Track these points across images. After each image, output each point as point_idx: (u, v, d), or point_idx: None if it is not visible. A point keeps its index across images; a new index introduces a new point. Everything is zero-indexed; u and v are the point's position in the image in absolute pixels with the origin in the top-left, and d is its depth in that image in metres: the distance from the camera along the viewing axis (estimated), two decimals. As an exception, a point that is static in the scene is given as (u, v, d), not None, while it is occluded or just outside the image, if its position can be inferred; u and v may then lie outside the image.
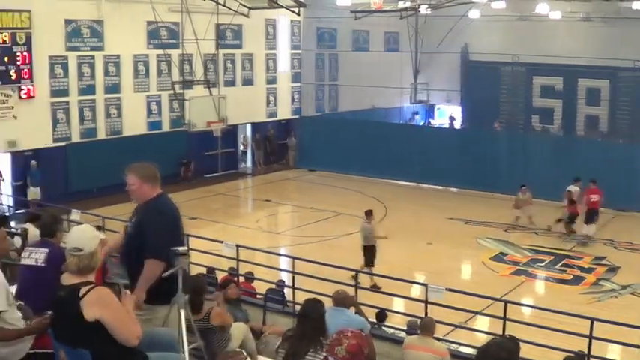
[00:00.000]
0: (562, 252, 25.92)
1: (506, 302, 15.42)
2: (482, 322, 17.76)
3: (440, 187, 35.40)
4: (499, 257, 25.26)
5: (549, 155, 33.65)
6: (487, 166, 34.15)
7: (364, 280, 20.04)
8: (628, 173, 31.10)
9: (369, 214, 22.38)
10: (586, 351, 13.80)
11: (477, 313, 17.28)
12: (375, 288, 19.78)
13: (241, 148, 39.55)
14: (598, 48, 39.82)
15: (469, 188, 34.23)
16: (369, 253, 21.79)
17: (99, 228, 10.92)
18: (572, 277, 23.39)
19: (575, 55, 39.94)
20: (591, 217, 27.09)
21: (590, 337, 14.01)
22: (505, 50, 43.16)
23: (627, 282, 22.62)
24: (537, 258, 25.18)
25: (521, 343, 11.04)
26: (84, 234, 5.89)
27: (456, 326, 16.21)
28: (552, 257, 25.28)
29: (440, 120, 48.37)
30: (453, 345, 13.74)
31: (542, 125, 43.66)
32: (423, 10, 38.25)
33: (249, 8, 34.17)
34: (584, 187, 27.72)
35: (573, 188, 27.86)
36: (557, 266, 24.48)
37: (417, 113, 48.72)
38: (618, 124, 41.95)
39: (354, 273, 19.37)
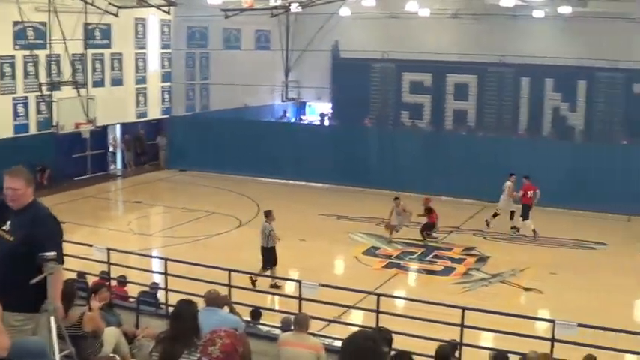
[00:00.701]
0: (433, 244, 26.47)
1: (379, 295, 15.68)
2: (357, 316, 17.99)
3: (312, 184, 35.62)
4: (371, 251, 25.63)
5: (419, 149, 34.41)
6: (358, 161, 34.60)
7: (265, 282, 20.26)
8: (493, 166, 32.00)
9: (268, 214, 22.02)
10: (458, 339, 14.18)
11: (350, 307, 17.53)
12: (275, 287, 20.01)
13: (111, 149, 38.83)
14: (466, 44, 40.82)
15: (341, 184, 34.54)
16: (269, 254, 21.50)
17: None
18: (443, 268, 23.95)
19: (444, 51, 40.83)
20: (526, 212, 27.79)
21: (462, 325, 14.40)
22: (375, 47, 43.67)
23: (497, 271, 23.29)
24: (409, 251, 25.63)
25: (395, 335, 11.37)
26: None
27: (331, 321, 16.39)
28: (423, 249, 25.83)
29: (311, 117, 48.60)
30: (328, 340, 13.90)
31: (411, 120, 44.39)
32: (294, 8, 38.28)
33: (118, 7, 33.54)
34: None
35: (508, 184, 28.48)
36: (428, 258, 25.02)
37: (285, 112, 48.74)
38: (485, 118, 43.06)
39: (254, 278, 19.65)
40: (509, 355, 11.45)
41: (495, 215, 28.43)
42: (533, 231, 27.50)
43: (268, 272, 21.21)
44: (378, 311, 15.14)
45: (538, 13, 38.20)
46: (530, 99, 42.16)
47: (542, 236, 27.57)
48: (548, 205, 31.08)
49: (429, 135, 39.77)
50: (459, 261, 24.74)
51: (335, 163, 34.84)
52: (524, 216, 27.78)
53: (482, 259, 24.82)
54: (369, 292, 16.97)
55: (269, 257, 21.41)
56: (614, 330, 15.27)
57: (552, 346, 13.66)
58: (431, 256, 25.22)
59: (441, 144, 35.12)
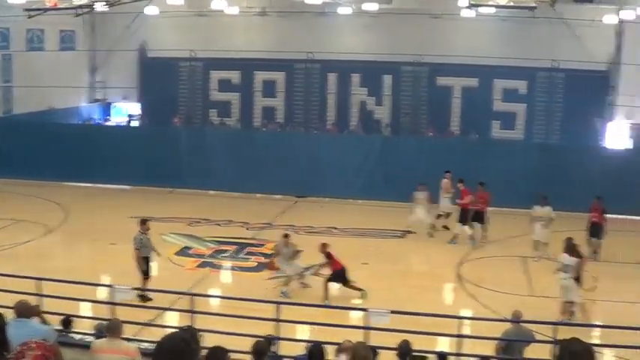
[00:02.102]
0: (245, 241, 26.48)
1: (192, 295, 15.66)
2: (172, 318, 17.85)
3: (121, 186, 34.99)
4: (184, 252, 25.32)
5: (228, 148, 34.41)
6: (167, 161, 34.26)
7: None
8: (303, 161, 32.56)
9: (143, 222, 20.98)
10: (274, 334, 14.33)
11: (164, 309, 17.41)
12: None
13: None
14: (274, 42, 40.99)
15: (151, 185, 34.12)
16: (145, 263, 20.40)
17: None
18: (257, 264, 23.95)
19: (253, 49, 40.91)
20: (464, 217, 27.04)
21: (277, 320, 14.56)
22: (184, 46, 43.26)
23: (309, 263, 23.51)
24: (221, 249, 25.50)
25: (211, 334, 11.39)
26: None
27: (145, 324, 16.22)
28: (236, 247, 25.76)
29: (118, 118, 47.62)
30: (144, 344, 13.75)
31: (220, 119, 44.30)
32: (99, 7, 37.35)
33: None
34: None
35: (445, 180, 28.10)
36: (242, 255, 25.01)
37: (92, 114, 47.53)
38: (294, 114, 43.53)
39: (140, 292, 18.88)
40: (324, 346, 11.65)
41: (439, 216, 28.30)
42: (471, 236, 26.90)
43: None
44: (192, 311, 15.11)
45: (344, 10, 38.89)
46: (337, 94, 42.89)
47: (353, 227, 28.23)
48: (359, 197, 32.04)
49: (239, 133, 39.84)
50: (272, 256, 24.84)
51: (144, 164, 34.30)
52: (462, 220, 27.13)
53: (295, 253, 25.01)
54: (183, 293, 16.92)
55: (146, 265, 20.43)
56: (424, 315, 15.90)
57: (367, 334, 14.02)
58: (244, 253, 25.21)
59: (251, 141, 35.18)
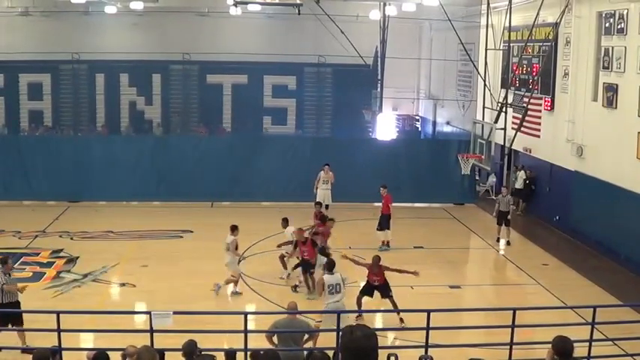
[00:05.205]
0: (19, 250, 25.44)
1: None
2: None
3: None
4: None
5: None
6: None
7: None
8: (79, 164, 31.79)
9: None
10: (57, 345, 13.93)
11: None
12: None
13: None
14: (38, 42, 39.64)
15: None
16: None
17: None
18: (32, 274, 23.10)
19: (16, 50, 39.22)
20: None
21: (59, 330, 14.14)
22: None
23: (87, 270, 23.02)
24: (-6, 262, 24.46)
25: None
26: None
27: None
28: (10, 257, 24.71)
29: None
30: None
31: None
32: None
33: None
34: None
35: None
36: (17, 265, 23.91)
37: None
38: (62, 117, 42.34)
39: None
40: (108, 352, 11.48)
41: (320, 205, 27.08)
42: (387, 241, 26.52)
43: None
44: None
45: (110, 9, 38.24)
46: (106, 95, 42.14)
47: (130, 230, 27.85)
48: (133, 199, 31.67)
49: (4, 138, 38.07)
50: (49, 265, 24.00)
51: None
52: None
53: (71, 261, 24.34)
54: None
55: None
56: (207, 313, 15.93)
57: (152, 337, 13.86)
58: (19, 263, 24.17)
59: (17, 146, 33.50)
